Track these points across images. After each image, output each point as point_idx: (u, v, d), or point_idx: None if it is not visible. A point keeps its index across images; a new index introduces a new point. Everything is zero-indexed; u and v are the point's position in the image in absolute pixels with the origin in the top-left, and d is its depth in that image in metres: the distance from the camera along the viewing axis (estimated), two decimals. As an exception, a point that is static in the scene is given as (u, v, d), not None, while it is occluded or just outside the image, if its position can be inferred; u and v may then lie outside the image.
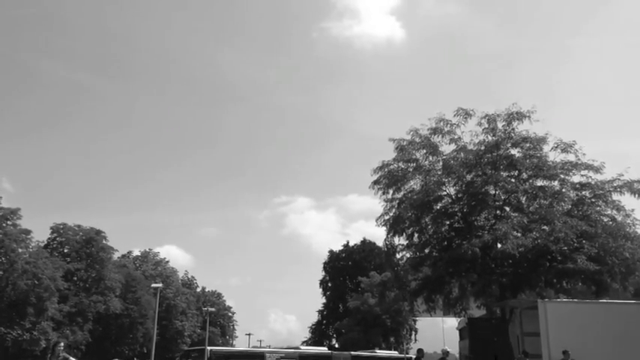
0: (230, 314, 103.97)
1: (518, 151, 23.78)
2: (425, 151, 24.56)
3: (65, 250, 64.58)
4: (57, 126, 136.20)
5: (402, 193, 24.54)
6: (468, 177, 23.73)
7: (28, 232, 54.48)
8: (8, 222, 52.94)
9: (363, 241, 73.47)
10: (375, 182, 24.78)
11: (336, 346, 61.41)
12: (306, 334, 74.65)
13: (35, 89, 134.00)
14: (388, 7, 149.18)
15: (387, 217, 24.39)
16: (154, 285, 55.56)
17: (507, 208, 23.60)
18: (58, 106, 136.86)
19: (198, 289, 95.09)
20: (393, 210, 24.30)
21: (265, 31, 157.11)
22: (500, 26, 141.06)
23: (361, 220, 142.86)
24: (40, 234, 63.13)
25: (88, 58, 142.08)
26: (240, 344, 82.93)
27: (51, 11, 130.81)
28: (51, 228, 64.82)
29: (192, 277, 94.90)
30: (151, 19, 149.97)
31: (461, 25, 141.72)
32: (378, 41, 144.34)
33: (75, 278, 63.09)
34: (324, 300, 74.77)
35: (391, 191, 24.61)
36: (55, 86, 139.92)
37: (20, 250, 52.95)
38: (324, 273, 76.26)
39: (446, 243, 23.70)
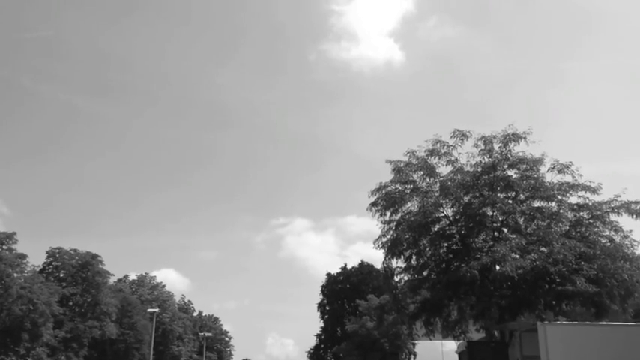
0: (227, 339, 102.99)
1: (515, 173, 23.84)
2: (422, 172, 24.60)
3: (61, 275, 64.25)
4: (54, 149, 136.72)
5: (399, 214, 24.49)
6: (466, 199, 23.74)
7: (24, 256, 54.29)
8: (4, 246, 52.76)
9: (361, 264, 73.14)
10: (373, 204, 24.75)
11: (335, 370, 60.72)
12: (304, 359, 73.84)
13: (33, 112, 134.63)
14: (386, 29, 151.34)
15: (384, 239, 24.28)
16: (150, 310, 55.27)
17: (505, 230, 23.55)
18: (55, 129, 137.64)
19: (195, 314, 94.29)
20: (391, 232, 24.22)
21: (263, 53, 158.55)
22: (496, 49, 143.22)
23: (360, 241, 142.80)
24: (37, 258, 63.41)
25: (85, 81, 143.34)
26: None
27: (49, 34, 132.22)
28: (47, 252, 64.64)
29: (189, 301, 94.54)
30: (148, 41, 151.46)
31: (458, 48, 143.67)
32: (376, 64, 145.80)
33: (70, 303, 62.67)
34: (322, 323, 74.09)
35: (389, 213, 24.57)
36: (52, 109, 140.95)
37: (16, 275, 52.76)
38: (322, 296, 75.81)
39: (444, 265, 23.60)
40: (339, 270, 76.13)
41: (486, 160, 23.86)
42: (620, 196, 22.85)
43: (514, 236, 22.53)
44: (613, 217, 22.83)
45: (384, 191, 24.67)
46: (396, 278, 25.12)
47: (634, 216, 22.41)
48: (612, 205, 22.87)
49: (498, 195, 23.35)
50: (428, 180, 24.58)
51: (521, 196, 23.61)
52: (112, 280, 70.44)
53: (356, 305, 58.79)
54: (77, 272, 63.77)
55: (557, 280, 21.48)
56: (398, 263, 24.53)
